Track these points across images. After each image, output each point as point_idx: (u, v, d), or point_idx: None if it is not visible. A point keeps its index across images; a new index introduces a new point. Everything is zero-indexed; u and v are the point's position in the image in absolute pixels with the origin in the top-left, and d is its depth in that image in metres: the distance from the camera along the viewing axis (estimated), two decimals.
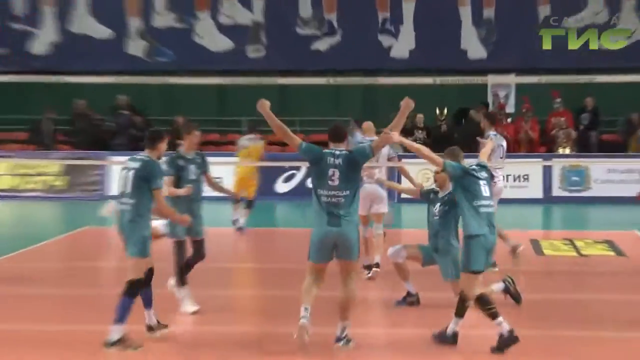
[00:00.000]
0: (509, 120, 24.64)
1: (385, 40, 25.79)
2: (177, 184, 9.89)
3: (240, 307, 10.78)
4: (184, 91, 24.98)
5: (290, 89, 24.36)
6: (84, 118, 24.90)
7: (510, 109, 25.29)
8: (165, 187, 9.09)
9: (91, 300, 10.56)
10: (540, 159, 22.66)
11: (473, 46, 25.57)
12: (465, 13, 25.61)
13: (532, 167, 22.29)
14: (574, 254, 14.44)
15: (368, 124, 12.76)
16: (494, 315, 8.38)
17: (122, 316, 8.32)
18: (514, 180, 22.33)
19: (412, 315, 9.98)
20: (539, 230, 18.71)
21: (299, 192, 22.51)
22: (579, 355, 8.49)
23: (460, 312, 8.60)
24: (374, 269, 11.98)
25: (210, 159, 10.36)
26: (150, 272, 8.59)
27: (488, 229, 8.53)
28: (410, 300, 10.30)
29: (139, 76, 21.62)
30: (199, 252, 9.96)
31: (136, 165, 8.54)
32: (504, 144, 12.96)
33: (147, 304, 8.73)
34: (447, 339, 8.59)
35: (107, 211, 16.04)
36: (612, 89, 21.80)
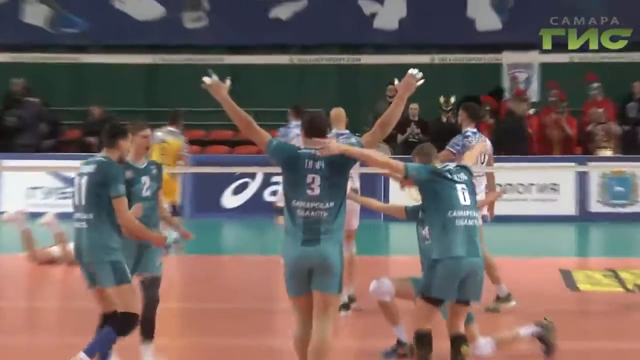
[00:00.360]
0: (531, 111, 24.63)
1: (366, 5, 25.85)
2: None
3: None
4: (100, 73, 24.86)
5: (241, 70, 24.19)
6: None
7: (532, 96, 25.36)
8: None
9: None
10: (573, 163, 22.75)
11: (483, 13, 25.69)
12: None
13: (562, 173, 22.36)
14: (618, 288, 14.50)
15: (337, 112, 12.89)
16: None
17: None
18: (539, 191, 22.42)
19: None
20: (571, 257, 18.75)
21: (252, 206, 22.49)
22: None
23: None
24: (352, 305, 12.15)
25: None
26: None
27: (466, 248, 8.54)
28: (402, 351, 10.26)
29: (39, 53, 21.50)
30: (151, 295, 9.59)
31: (90, 169, 8.67)
32: (488, 145, 13.04)
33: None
34: None
35: (47, 222, 15.90)
36: None
